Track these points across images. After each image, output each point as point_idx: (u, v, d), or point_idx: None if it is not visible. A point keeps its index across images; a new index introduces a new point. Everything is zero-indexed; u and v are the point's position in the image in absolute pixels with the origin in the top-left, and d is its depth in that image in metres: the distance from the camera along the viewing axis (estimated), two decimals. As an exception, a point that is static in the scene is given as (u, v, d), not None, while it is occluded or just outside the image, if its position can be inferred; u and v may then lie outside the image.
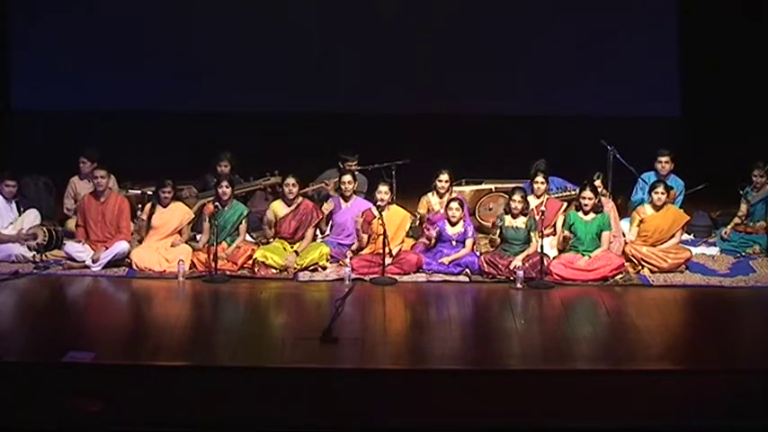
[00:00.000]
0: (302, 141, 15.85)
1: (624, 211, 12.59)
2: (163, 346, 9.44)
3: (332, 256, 11.56)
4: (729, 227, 12.37)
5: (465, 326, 10.33)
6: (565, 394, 8.78)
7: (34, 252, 11.59)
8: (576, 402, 8.75)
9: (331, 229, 11.95)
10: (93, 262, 11.38)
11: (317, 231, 11.91)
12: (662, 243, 11.66)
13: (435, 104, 17.79)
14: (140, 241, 11.65)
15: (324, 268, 11.46)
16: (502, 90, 18.10)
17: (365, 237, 11.57)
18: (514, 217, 11.51)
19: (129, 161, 13.14)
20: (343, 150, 12.72)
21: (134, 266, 11.44)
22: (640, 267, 11.48)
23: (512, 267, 11.17)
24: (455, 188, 12.44)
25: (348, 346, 9.43)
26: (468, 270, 11.37)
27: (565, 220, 11.63)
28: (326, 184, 12.67)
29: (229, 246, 11.53)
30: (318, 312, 10.27)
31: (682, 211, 12.02)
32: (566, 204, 11.97)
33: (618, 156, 12.56)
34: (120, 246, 11.45)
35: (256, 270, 11.34)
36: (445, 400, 8.74)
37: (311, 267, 11.44)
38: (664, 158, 12.37)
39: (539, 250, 11.17)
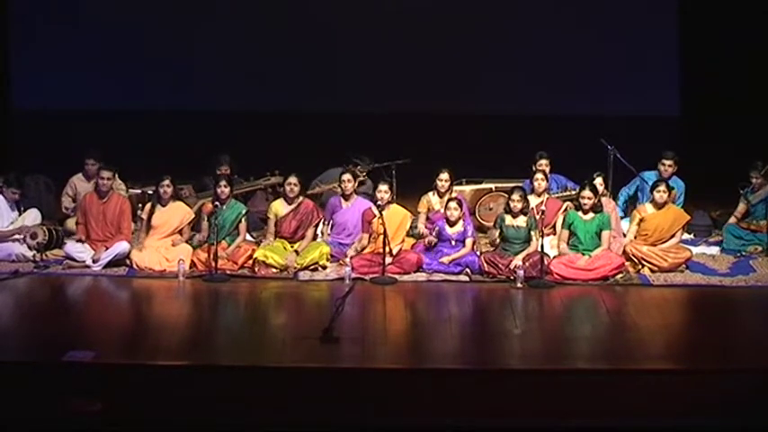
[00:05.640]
0: (302, 141, 15.86)
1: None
2: (163, 346, 9.44)
3: (332, 256, 11.57)
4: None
5: (465, 326, 10.33)
6: (565, 394, 8.78)
7: (34, 252, 11.59)
8: (576, 402, 8.74)
9: (331, 229, 11.95)
10: (94, 262, 11.38)
11: (318, 232, 11.92)
12: (662, 242, 11.65)
13: (435, 104, 17.79)
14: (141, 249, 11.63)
15: (324, 268, 11.46)
16: (502, 90, 18.11)
17: (366, 237, 11.58)
18: (515, 216, 11.52)
19: (129, 161, 13.13)
20: (359, 157, 12.78)
21: (134, 266, 11.44)
22: (640, 267, 11.48)
23: (512, 267, 11.17)
24: (455, 188, 12.44)
25: (348, 345, 9.43)
26: (468, 270, 11.38)
27: (565, 220, 11.63)
28: (319, 186, 12.72)
29: (229, 245, 11.53)
30: (318, 312, 10.27)
31: (682, 210, 12.02)
32: (566, 204, 11.98)
33: (618, 156, 12.57)
34: (121, 246, 11.45)
35: (256, 270, 11.34)
36: (445, 400, 8.73)
37: (311, 267, 11.44)
38: (668, 162, 12.37)
39: (539, 249, 11.17)
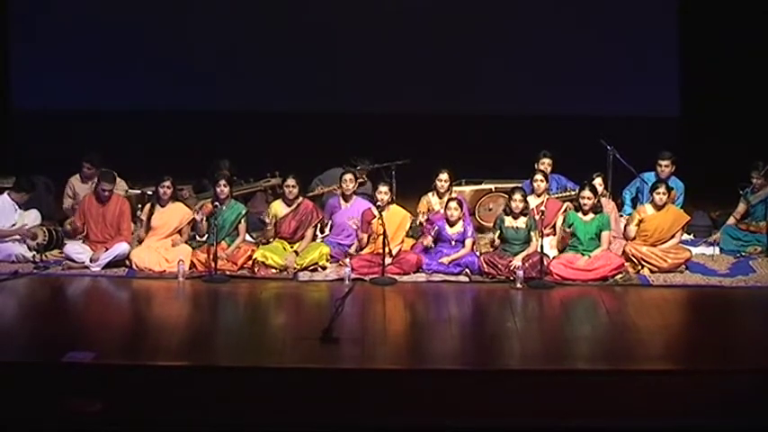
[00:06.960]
0: (302, 141, 15.86)
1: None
2: (163, 347, 9.44)
3: (332, 256, 11.57)
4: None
5: (465, 326, 10.33)
6: (565, 394, 8.78)
7: (34, 252, 11.59)
8: (576, 402, 8.74)
9: (331, 230, 11.95)
10: (93, 262, 11.37)
11: (317, 232, 11.92)
12: (662, 243, 11.65)
13: (435, 104, 17.80)
14: (140, 242, 11.64)
15: (324, 268, 11.46)
16: (502, 90, 18.11)
17: (365, 236, 11.58)
18: (515, 217, 11.51)
19: (129, 161, 13.13)
20: (358, 159, 12.78)
21: (134, 266, 11.43)
22: (640, 267, 11.47)
23: (512, 267, 11.17)
24: (455, 188, 12.44)
25: (348, 346, 9.43)
26: (467, 270, 11.37)
27: (564, 220, 11.63)
28: (320, 186, 12.72)
29: (229, 246, 11.53)
30: (318, 313, 10.26)
31: (682, 211, 12.02)
32: (565, 204, 11.98)
33: (618, 156, 12.57)
34: (120, 247, 11.45)
35: (256, 270, 11.34)
36: (445, 400, 8.73)
37: (311, 267, 11.44)
38: (664, 162, 12.37)
39: (538, 250, 11.17)
